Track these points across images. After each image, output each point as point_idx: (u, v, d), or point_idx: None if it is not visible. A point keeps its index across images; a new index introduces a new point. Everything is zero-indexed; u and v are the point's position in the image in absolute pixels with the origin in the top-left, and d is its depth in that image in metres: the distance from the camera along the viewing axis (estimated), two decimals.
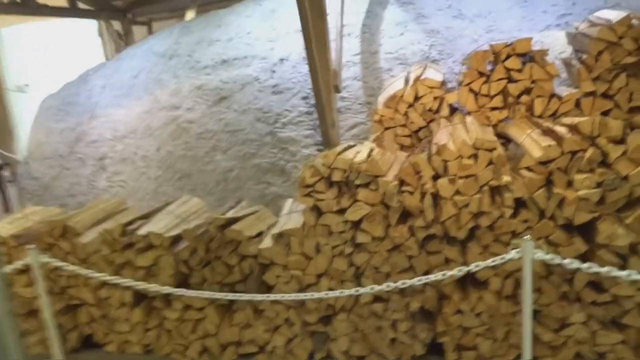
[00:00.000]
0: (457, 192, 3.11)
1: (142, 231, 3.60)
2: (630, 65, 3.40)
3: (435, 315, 3.43)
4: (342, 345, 3.52)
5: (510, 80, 3.60)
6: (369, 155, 3.34)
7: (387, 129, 3.94)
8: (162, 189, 4.86)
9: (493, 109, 3.68)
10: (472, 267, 2.75)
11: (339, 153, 3.40)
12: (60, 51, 8.51)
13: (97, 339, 3.98)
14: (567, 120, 3.25)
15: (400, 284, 2.89)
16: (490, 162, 3.09)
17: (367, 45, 5.04)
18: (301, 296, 3.15)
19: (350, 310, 3.47)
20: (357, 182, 3.25)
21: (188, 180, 4.82)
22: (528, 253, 2.56)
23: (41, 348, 3.94)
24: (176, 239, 3.61)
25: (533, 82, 3.56)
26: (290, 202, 3.99)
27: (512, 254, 2.64)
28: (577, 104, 3.54)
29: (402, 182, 3.23)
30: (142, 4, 8.30)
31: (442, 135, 3.36)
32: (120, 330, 3.84)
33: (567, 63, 3.95)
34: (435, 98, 3.81)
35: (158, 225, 3.68)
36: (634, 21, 3.32)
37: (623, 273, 2.58)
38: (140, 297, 3.75)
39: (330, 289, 3.40)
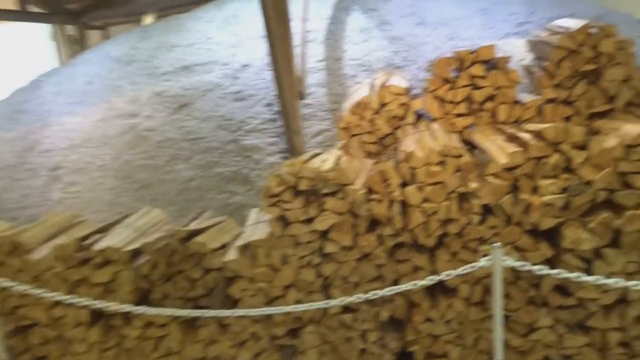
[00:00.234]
0: (425, 200, 3.09)
1: (99, 246, 3.41)
2: (589, 73, 3.47)
3: (404, 323, 3.39)
4: (311, 358, 3.43)
5: (475, 87, 3.62)
6: (336, 163, 3.28)
7: (353, 136, 3.89)
8: (120, 200, 4.66)
9: (458, 115, 3.69)
10: (444, 276, 2.72)
11: (306, 161, 3.33)
12: (10, 56, 8.12)
13: None
14: (531, 126, 3.28)
15: (371, 294, 2.83)
16: (457, 169, 3.08)
17: (331, 52, 5.00)
18: (268, 310, 3.05)
19: (319, 321, 3.39)
20: (325, 190, 3.19)
21: (148, 190, 4.64)
22: (498, 260, 2.55)
23: None
24: (136, 253, 3.44)
25: (497, 88, 3.59)
26: (255, 212, 3.89)
27: (483, 261, 2.63)
28: (539, 111, 3.59)
29: (370, 190, 3.19)
30: (97, 7, 8.03)
31: (409, 142, 3.34)
32: (76, 351, 3.62)
33: (528, 70, 4.01)
34: (400, 105, 3.78)
35: (116, 239, 3.50)
36: (593, 30, 3.40)
37: (590, 278, 2.60)
38: (98, 315, 3.56)
39: (298, 301, 3.32)
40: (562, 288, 3.07)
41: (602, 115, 3.49)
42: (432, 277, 2.70)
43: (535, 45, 3.95)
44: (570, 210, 2.97)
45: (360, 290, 3.28)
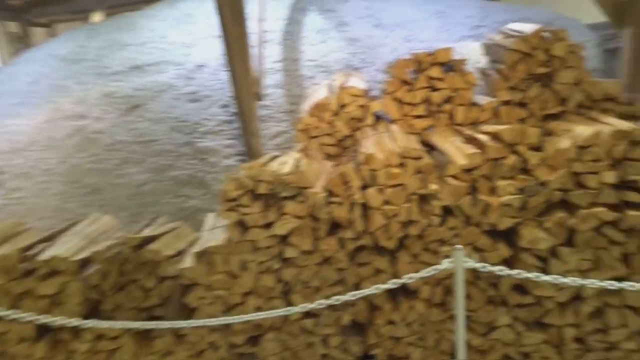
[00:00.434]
0: (386, 202, 3.06)
1: (45, 255, 3.21)
2: (542, 76, 3.55)
3: (366, 327, 3.35)
4: None
5: (433, 88, 3.63)
6: (295, 166, 3.21)
7: (312, 138, 3.83)
8: (68, 205, 4.42)
9: (417, 117, 3.70)
10: (407, 279, 2.70)
11: (264, 164, 3.25)
12: None
13: None
14: (488, 128, 3.32)
15: (334, 300, 2.77)
16: (417, 171, 3.07)
17: (288, 53, 4.93)
18: (227, 319, 2.94)
19: (280, 328, 3.30)
20: (284, 194, 3.11)
21: (97, 195, 4.43)
22: (459, 262, 2.55)
23: None
24: (84, 263, 3.26)
25: (454, 90, 3.61)
26: (212, 216, 3.77)
27: (445, 263, 2.62)
28: (495, 112, 3.64)
29: (330, 193, 3.14)
30: (41, 4, 7.65)
31: (369, 144, 3.31)
32: None
33: (483, 73, 4.06)
34: (359, 106, 3.75)
35: (63, 248, 3.31)
36: (545, 34, 3.47)
37: (548, 277, 2.64)
38: (44, 329, 3.34)
39: (258, 308, 3.23)
40: (520, 287, 3.12)
41: (554, 116, 3.58)
42: (395, 280, 2.67)
43: (490, 48, 4.01)
44: (527, 211, 3.01)
45: (322, 294, 3.23)
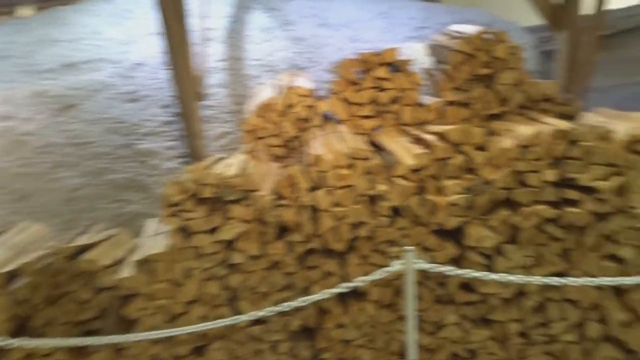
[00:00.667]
0: (335, 204, 3.01)
1: None
2: (485, 77, 3.61)
3: (316, 331, 3.29)
4: None
5: (380, 89, 3.62)
6: (241, 168, 3.11)
7: (258, 139, 3.73)
8: None
9: (364, 117, 3.68)
10: (358, 283, 2.66)
11: (208, 167, 3.12)
12: None
13: None
14: (434, 128, 3.34)
15: (284, 306, 2.69)
16: (366, 172, 3.04)
17: (232, 51, 4.80)
18: (169, 332, 2.79)
19: (226, 337, 3.18)
20: (230, 198, 3.00)
21: (27, 202, 4.13)
22: (410, 263, 2.53)
23: None
24: (12, 276, 3.01)
25: (401, 91, 3.62)
26: (153, 222, 3.59)
27: (395, 265, 2.60)
28: (441, 113, 3.67)
29: (278, 196, 3.05)
30: None
31: (317, 145, 3.25)
32: None
33: (428, 73, 4.09)
34: (306, 107, 3.69)
35: None
36: (487, 36, 3.54)
37: (496, 276, 2.67)
38: None
39: (203, 317, 3.10)
40: (467, 285, 3.15)
41: (496, 116, 3.65)
42: (346, 284, 2.62)
43: (435, 49, 4.05)
44: (473, 209, 3.05)
45: (270, 300, 3.14)
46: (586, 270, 3.04)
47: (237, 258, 3.05)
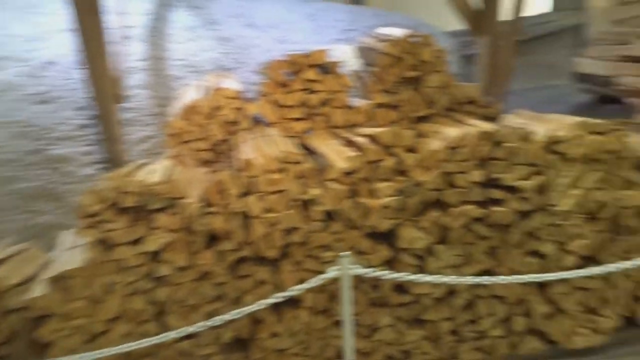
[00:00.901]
0: (267, 210, 2.92)
1: None
2: (412, 79, 3.66)
3: (249, 342, 3.17)
4: None
5: (310, 91, 3.57)
6: (166, 175, 2.93)
7: (183, 143, 3.56)
8: None
9: (294, 120, 3.61)
10: (294, 292, 2.58)
11: (130, 173, 2.92)
12: None
13: None
14: (365, 130, 3.33)
15: (216, 320, 2.55)
16: (298, 176, 2.97)
17: (153, 50, 4.56)
18: (91, 354, 2.57)
19: (154, 354, 2.99)
20: (154, 206, 2.82)
21: None
22: (346, 269, 2.49)
23: None
24: None
25: (331, 93, 3.58)
26: (68, 234, 3.31)
27: (331, 271, 2.55)
28: (370, 115, 3.67)
29: (206, 203, 2.91)
30: None
31: (247, 149, 3.14)
32: None
33: (356, 75, 4.10)
34: (234, 109, 3.57)
35: None
36: (414, 39, 3.59)
37: (430, 278, 2.69)
38: None
39: (127, 334, 2.89)
40: (400, 286, 3.16)
41: (424, 119, 3.72)
42: (281, 294, 2.53)
43: (363, 52, 4.06)
44: (404, 211, 3.06)
45: (200, 312, 2.99)
46: (511, 266, 3.15)
47: (163, 270, 2.87)
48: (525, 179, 3.07)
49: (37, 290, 2.78)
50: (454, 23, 6.49)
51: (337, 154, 3.13)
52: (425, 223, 3.05)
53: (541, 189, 3.10)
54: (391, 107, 3.69)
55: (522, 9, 4.06)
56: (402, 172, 3.08)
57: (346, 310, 2.52)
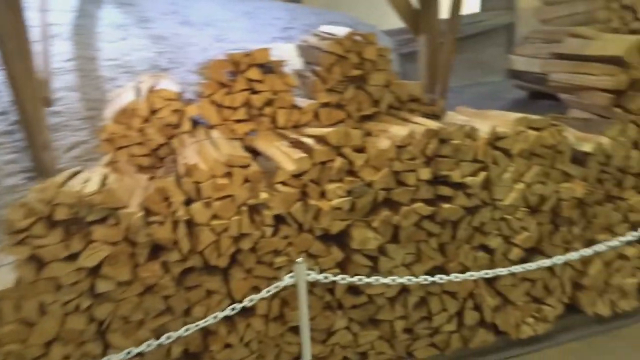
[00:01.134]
0: (214, 216, 2.79)
1: None
2: (356, 78, 3.63)
3: (200, 355, 3.03)
4: None
5: (253, 91, 3.45)
6: (102, 183, 2.73)
7: (119, 148, 3.34)
8: None
9: (237, 121, 3.48)
10: (247, 302, 2.47)
11: (62, 183, 2.69)
12: None
13: None
14: (312, 131, 3.26)
15: (164, 338, 2.40)
16: (245, 180, 2.86)
17: (82, 50, 4.27)
18: None
19: None
20: (91, 218, 2.61)
21: None
22: (302, 276, 2.41)
23: None
24: None
25: (274, 93, 3.49)
26: None
27: (286, 279, 2.46)
28: (315, 115, 3.62)
29: (148, 212, 2.73)
30: None
31: (189, 153, 2.99)
32: None
33: (299, 75, 4.02)
34: (173, 111, 3.39)
35: None
36: (357, 37, 3.56)
37: (387, 280, 2.67)
38: None
39: (66, 357, 2.67)
40: (353, 288, 3.13)
41: (369, 117, 3.70)
42: (235, 305, 2.42)
43: (305, 50, 3.99)
44: (355, 212, 3.03)
45: (146, 328, 2.81)
46: (461, 261, 3.20)
47: (103, 286, 2.67)
48: (471, 175, 3.12)
49: None
50: (390, 21, 6.56)
51: (285, 156, 3.04)
52: (377, 223, 3.03)
53: (486, 185, 3.17)
54: (336, 107, 3.65)
55: (461, 6, 4.14)
56: (351, 173, 3.05)
57: (303, 317, 2.45)
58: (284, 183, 2.94)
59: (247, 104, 3.49)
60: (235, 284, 2.90)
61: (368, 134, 3.35)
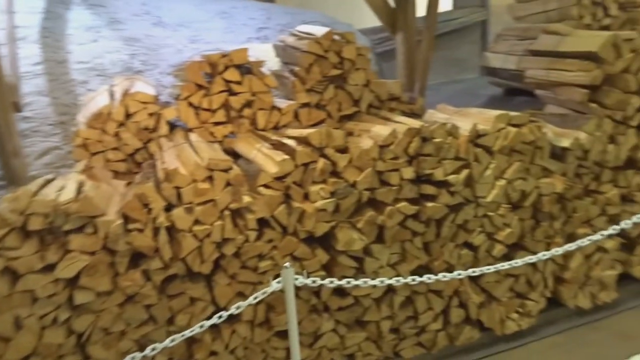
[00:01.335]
0: (196, 222, 2.72)
1: None
2: (336, 78, 3.60)
3: None
4: None
5: (231, 92, 3.39)
6: (78, 191, 2.64)
7: (94, 154, 3.24)
8: None
9: (216, 123, 3.41)
10: (234, 310, 2.41)
11: (35, 192, 2.59)
12: None
13: None
14: (294, 132, 3.22)
15: (149, 350, 2.32)
16: (227, 184, 2.80)
17: (51, 53, 4.12)
18: None
19: None
20: (67, 227, 2.52)
21: None
22: (289, 281, 2.37)
23: None
24: None
25: (253, 94, 3.43)
26: None
27: (274, 285, 2.41)
28: (295, 115, 3.57)
29: (127, 219, 2.65)
30: None
31: (169, 158, 2.91)
32: None
33: (277, 75, 3.97)
34: (150, 115, 3.30)
35: None
36: (336, 37, 3.52)
37: (376, 282, 2.65)
38: None
39: None
40: (339, 290, 3.10)
41: (349, 117, 3.68)
42: (222, 313, 2.36)
43: (283, 50, 3.94)
44: (340, 213, 3.00)
45: (128, 338, 2.73)
46: (446, 259, 3.20)
47: (82, 297, 2.58)
48: (454, 173, 3.13)
49: None
50: (362, 20, 6.55)
51: (267, 159, 2.99)
52: (361, 224, 3.01)
53: (469, 182, 3.17)
54: (316, 107, 3.61)
55: (438, 4, 4.14)
56: (334, 174, 3.01)
57: (292, 322, 2.41)
58: (266, 186, 2.89)
59: (225, 106, 3.42)
60: (219, 290, 2.84)
61: (349, 134, 3.32)
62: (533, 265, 3.35)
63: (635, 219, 3.25)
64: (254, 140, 3.29)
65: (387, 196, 3.05)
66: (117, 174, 3.28)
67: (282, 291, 2.47)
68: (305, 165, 2.95)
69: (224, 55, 3.37)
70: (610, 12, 5.01)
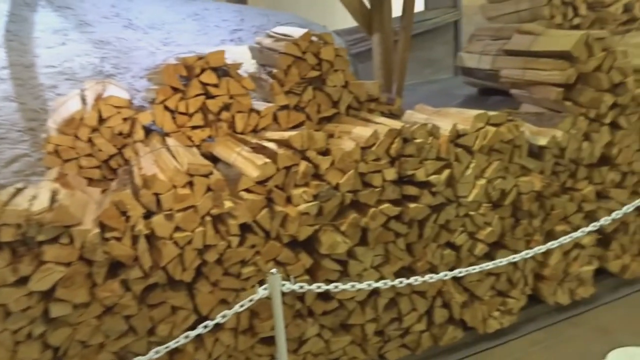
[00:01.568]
0: (177, 229, 2.64)
1: None
2: (314, 79, 3.56)
3: None
4: None
5: (208, 96, 3.32)
6: (52, 200, 2.53)
7: (67, 161, 3.12)
8: None
9: (194, 127, 3.33)
10: (220, 319, 2.35)
11: (6, 202, 2.48)
12: None
13: None
14: (274, 135, 3.17)
15: None
16: (208, 189, 2.73)
17: (17, 57, 3.97)
18: None
19: None
20: (41, 238, 2.41)
21: None
22: (276, 287, 2.32)
23: None
24: None
25: (231, 97, 3.36)
26: None
27: (260, 292, 2.36)
28: (274, 118, 3.52)
29: (104, 228, 2.55)
30: None
31: (146, 163, 2.82)
32: None
33: (255, 77, 3.91)
34: (124, 119, 3.20)
35: None
36: (314, 38, 3.49)
37: (364, 285, 2.62)
38: None
39: None
40: (323, 294, 3.06)
41: (328, 119, 3.65)
42: (207, 322, 2.29)
43: (259, 52, 3.88)
44: (323, 217, 2.97)
45: (107, 351, 2.65)
46: (429, 260, 3.20)
47: (58, 310, 2.48)
48: (436, 173, 3.13)
49: None
50: (335, 21, 6.54)
51: (248, 162, 2.93)
52: (345, 226, 2.98)
53: (450, 182, 3.18)
54: (295, 109, 3.57)
55: (414, 4, 4.16)
56: (317, 176, 2.98)
57: (279, 329, 2.36)
58: (248, 190, 2.83)
59: (202, 109, 3.35)
60: (201, 298, 2.77)
61: (330, 135, 3.29)
62: (514, 263, 3.37)
63: (614, 215, 3.32)
64: (233, 144, 3.23)
65: (370, 198, 3.03)
66: (91, 181, 3.17)
67: (268, 298, 2.42)
68: (287, 168, 2.90)
69: (200, 58, 3.30)
70: (580, 12, 5.13)
